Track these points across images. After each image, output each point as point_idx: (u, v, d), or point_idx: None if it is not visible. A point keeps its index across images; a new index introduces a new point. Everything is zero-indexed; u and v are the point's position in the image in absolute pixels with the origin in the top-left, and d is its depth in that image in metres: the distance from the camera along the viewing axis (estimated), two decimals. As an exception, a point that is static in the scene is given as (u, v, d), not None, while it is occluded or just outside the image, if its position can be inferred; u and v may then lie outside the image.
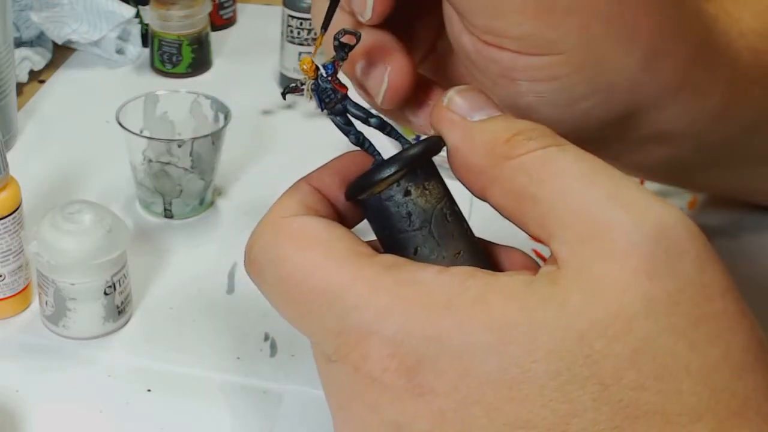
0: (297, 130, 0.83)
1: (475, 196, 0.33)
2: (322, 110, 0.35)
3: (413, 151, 0.33)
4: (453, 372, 0.29)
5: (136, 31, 0.91)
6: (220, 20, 0.98)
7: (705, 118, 0.43)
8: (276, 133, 0.82)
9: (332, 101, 0.35)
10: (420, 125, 0.39)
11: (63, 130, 0.81)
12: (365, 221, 0.35)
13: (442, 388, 0.29)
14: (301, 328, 0.32)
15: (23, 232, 0.58)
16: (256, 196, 0.71)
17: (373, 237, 0.34)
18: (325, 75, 0.35)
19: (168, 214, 0.70)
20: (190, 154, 0.67)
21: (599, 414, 0.28)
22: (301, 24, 0.85)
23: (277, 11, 0.88)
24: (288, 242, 0.32)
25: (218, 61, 0.93)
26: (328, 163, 0.36)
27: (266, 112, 0.85)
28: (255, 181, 0.75)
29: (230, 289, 0.64)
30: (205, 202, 0.71)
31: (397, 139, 0.35)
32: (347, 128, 0.35)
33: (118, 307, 0.59)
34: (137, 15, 0.91)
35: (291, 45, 0.86)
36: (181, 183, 0.69)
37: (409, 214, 0.33)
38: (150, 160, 0.68)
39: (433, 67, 0.42)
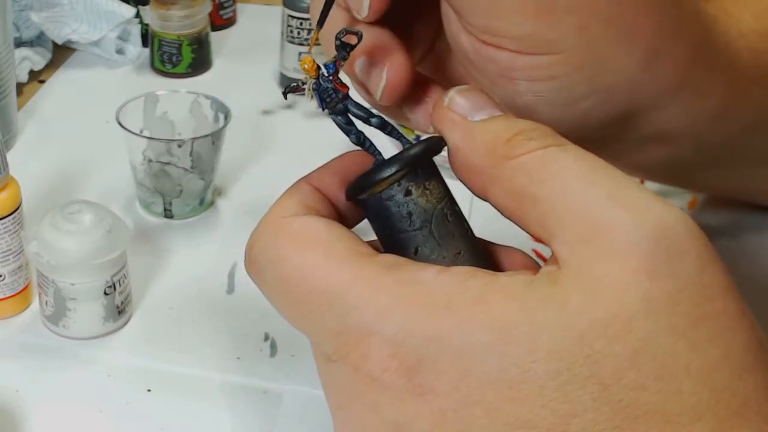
0: (297, 130, 0.83)
1: (475, 195, 0.33)
2: (323, 110, 0.35)
3: (414, 150, 0.33)
4: (453, 372, 0.29)
5: (136, 31, 0.91)
6: (220, 20, 0.98)
7: (705, 118, 0.43)
8: (276, 133, 0.82)
9: (333, 101, 0.35)
10: (418, 122, 0.39)
11: (63, 130, 0.81)
12: (365, 221, 0.35)
13: (443, 388, 0.29)
14: (301, 328, 0.32)
15: (23, 232, 0.58)
16: (256, 196, 0.71)
17: (373, 237, 0.34)
18: (326, 74, 0.35)
19: (168, 214, 0.70)
20: (190, 154, 0.67)
21: (599, 414, 0.28)
22: (301, 24, 0.85)
23: (277, 11, 0.88)
24: (288, 242, 0.32)
25: (218, 61, 0.93)
26: (329, 162, 0.36)
27: (266, 112, 0.85)
28: (255, 181, 0.75)
29: (230, 289, 0.64)
30: (205, 202, 0.71)
31: (398, 139, 0.35)
32: (348, 128, 0.35)
33: (118, 307, 0.59)
34: (137, 15, 0.91)
35: (291, 45, 0.86)
36: (181, 183, 0.69)
37: (410, 213, 0.33)
38: (150, 160, 0.68)
39: (431, 66, 0.42)
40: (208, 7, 0.89)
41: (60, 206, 0.57)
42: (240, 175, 0.76)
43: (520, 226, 0.32)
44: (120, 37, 0.91)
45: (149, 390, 0.56)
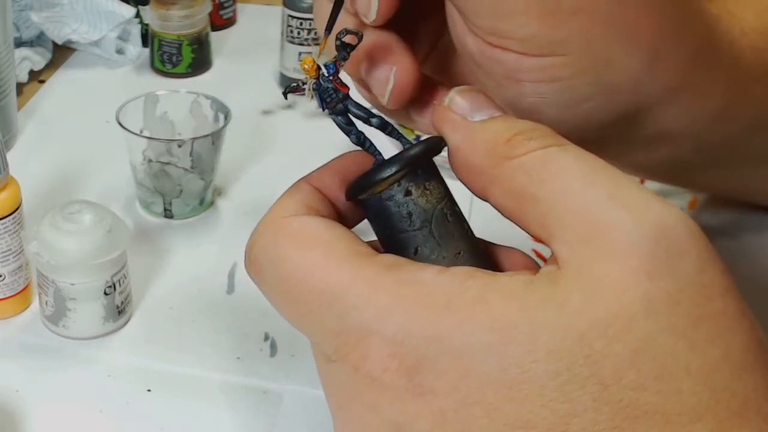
0: (297, 130, 0.83)
1: (475, 195, 0.33)
2: (324, 110, 0.35)
3: (414, 151, 0.33)
4: (453, 372, 0.29)
5: (136, 31, 0.91)
6: (220, 20, 0.98)
7: (705, 118, 0.43)
8: (276, 133, 0.82)
9: (333, 101, 0.35)
10: (425, 125, 0.39)
11: (63, 130, 0.81)
12: (365, 221, 0.35)
13: (443, 388, 0.29)
14: (301, 327, 0.32)
15: (23, 232, 0.58)
16: (256, 196, 0.71)
17: (373, 237, 0.34)
18: (326, 74, 0.35)
19: (168, 214, 0.70)
20: (190, 154, 0.67)
21: (599, 414, 0.28)
22: (301, 24, 0.85)
23: (277, 11, 0.88)
24: (288, 242, 0.32)
25: (218, 61, 0.93)
26: (329, 162, 0.36)
27: (266, 112, 0.85)
28: (255, 181, 0.75)
29: (230, 289, 0.64)
30: (205, 202, 0.71)
31: (398, 139, 0.35)
32: (348, 128, 0.35)
33: (118, 307, 0.59)
34: (137, 15, 0.91)
35: (291, 45, 0.86)
36: (181, 183, 0.69)
37: (410, 214, 0.33)
38: (150, 160, 0.68)
39: (434, 66, 0.42)
40: (208, 7, 0.89)
41: (60, 206, 0.57)
42: (240, 175, 0.76)
43: (520, 226, 0.32)
44: (120, 37, 0.91)
45: (149, 390, 0.56)
